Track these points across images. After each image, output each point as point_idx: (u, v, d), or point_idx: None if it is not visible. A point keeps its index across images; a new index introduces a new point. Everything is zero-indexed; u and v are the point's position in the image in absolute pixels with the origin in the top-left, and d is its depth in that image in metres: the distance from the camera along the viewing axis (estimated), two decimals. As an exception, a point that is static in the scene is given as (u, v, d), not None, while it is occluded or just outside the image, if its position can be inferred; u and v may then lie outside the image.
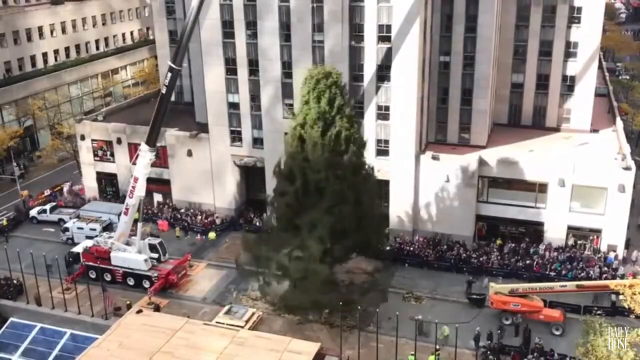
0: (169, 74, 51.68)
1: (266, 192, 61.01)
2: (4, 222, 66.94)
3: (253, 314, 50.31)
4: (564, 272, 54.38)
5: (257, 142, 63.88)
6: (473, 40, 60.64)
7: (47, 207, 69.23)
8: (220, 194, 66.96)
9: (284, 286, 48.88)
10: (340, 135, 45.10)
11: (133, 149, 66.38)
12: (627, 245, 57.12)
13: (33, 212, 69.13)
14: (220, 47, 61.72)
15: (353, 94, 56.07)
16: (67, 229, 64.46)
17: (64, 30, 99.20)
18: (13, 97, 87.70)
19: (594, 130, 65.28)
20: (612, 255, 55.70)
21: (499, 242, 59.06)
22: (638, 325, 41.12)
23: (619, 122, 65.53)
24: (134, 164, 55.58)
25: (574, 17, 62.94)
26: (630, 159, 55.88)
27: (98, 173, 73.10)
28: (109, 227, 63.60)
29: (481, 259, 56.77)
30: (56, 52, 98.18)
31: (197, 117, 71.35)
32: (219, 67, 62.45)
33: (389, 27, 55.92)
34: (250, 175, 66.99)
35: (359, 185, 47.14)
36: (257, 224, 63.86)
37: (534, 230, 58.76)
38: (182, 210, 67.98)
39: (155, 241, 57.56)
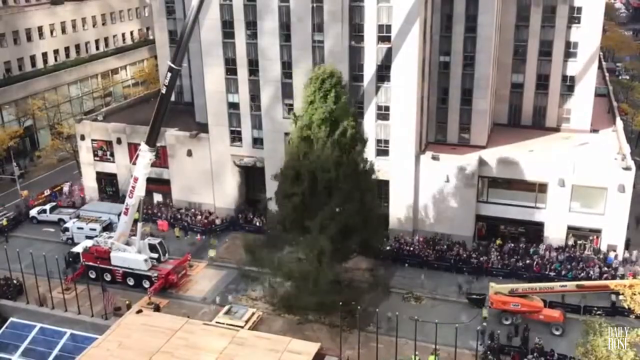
0: (169, 74, 51.68)
1: (266, 192, 61.04)
2: (4, 222, 66.90)
3: (253, 314, 50.32)
4: (563, 272, 54.39)
5: (257, 142, 63.89)
6: (473, 40, 60.63)
7: (47, 207, 69.24)
8: (220, 194, 66.96)
9: (287, 287, 48.89)
10: (346, 133, 45.27)
11: (133, 149, 66.37)
12: (627, 245, 57.11)
13: (33, 212, 69.13)
14: (220, 47, 61.72)
15: (353, 94, 56.05)
16: (67, 229, 64.47)
17: (63, 30, 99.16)
18: (13, 97, 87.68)
19: (594, 131, 65.27)
20: (612, 255, 55.68)
21: (498, 242, 59.06)
22: (638, 325, 41.17)
23: (619, 122, 65.53)
24: (134, 164, 55.58)
25: (574, 17, 62.92)
26: (630, 159, 55.88)
27: (98, 173, 73.11)
28: (109, 227, 63.60)
29: (481, 259, 56.76)
30: (56, 52, 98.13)
31: (197, 117, 71.35)
32: (219, 67, 62.45)
33: (389, 27, 55.92)
34: (250, 175, 66.99)
35: (362, 184, 47.39)
36: (257, 224, 63.87)
37: (534, 230, 58.74)
38: (182, 210, 67.97)
39: (155, 241, 57.55)
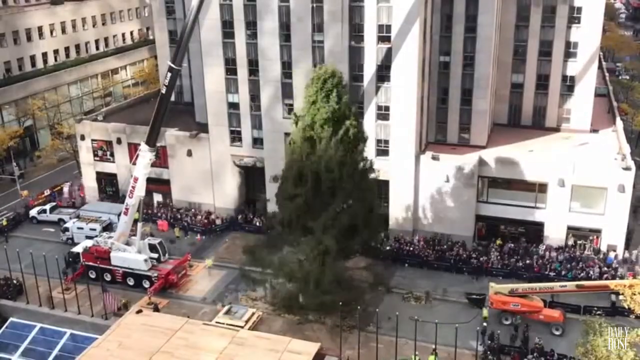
0: (169, 74, 51.68)
1: (266, 192, 61.04)
2: (4, 222, 66.89)
3: (253, 314, 50.32)
4: (563, 272, 54.40)
5: (257, 142, 63.89)
6: (473, 40, 60.64)
7: (47, 207, 69.25)
8: (220, 194, 66.97)
9: (288, 288, 48.92)
10: (349, 132, 45.39)
11: (133, 149, 66.38)
12: (628, 245, 57.10)
13: (33, 212, 69.14)
14: (220, 47, 61.73)
15: (353, 94, 56.03)
16: (67, 229, 64.48)
17: (63, 30, 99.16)
18: (13, 97, 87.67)
19: (594, 131, 65.28)
20: (612, 255, 55.69)
21: (498, 242, 59.07)
22: (638, 325, 41.16)
23: (619, 122, 65.54)
24: (134, 164, 55.58)
25: (574, 17, 62.93)
26: (630, 159, 55.89)
27: (98, 173, 73.12)
28: (108, 227, 63.60)
29: (481, 259, 56.77)
30: (56, 52, 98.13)
31: (197, 117, 71.36)
32: (219, 67, 62.45)
33: (388, 27, 55.92)
34: (250, 175, 66.99)
35: (363, 183, 47.55)
36: (257, 224, 63.89)
37: (534, 230, 58.75)
38: (182, 210, 67.98)
39: (155, 241, 57.55)
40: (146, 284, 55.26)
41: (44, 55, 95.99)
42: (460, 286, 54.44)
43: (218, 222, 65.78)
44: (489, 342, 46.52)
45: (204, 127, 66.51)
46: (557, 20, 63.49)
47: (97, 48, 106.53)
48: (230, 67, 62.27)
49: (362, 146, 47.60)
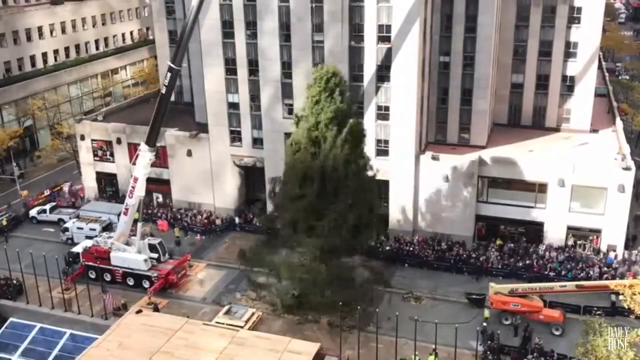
0: (169, 74, 51.65)
1: (266, 192, 60.92)
2: (4, 222, 66.87)
3: (253, 314, 50.30)
4: (563, 272, 54.39)
5: (257, 142, 63.89)
6: (473, 41, 60.63)
7: (47, 207, 69.22)
8: (220, 194, 66.96)
9: (290, 289, 48.96)
10: (352, 130, 45.63)
11: (133, 149, 66.38)
12: (627, 245, 57.10)
13: (33, 212, 69.11)
14: (220, 47, 61.72)
15: (353, 94, 56.02)
16: (66, 229, 64.45)
17: (63, 30, 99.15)
18: (13, 97, 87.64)
19: (594, 131, 65.28)
20: (612, 255, 55.68)
21: (498, 242, 59.06)
22: (638, 326, 41.16)
23: (619, 122, 65.54)
24: (134, 164, 55.55)
25: (574, 17, 62.93)
26: (630, 159, 55.89)
27: (98, 173, 73.12)
28: (108, 227, 63.57)
29: (481, 259, 56.76)
30: (56, 52, 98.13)
31: (197, 117, 71.36)
32: (219, 67, 62.45)
33: (388, 27, 55.92)
34: (250, 175, 66.99)
35: (365, 183, 47.89)
36: (257, 224, 63.83)
37: (534, 230, 58.75)
38: (182, 211, 67.97)
39: (155, 241, 57.53)
40: (146, 284, 55.22)
41: (44, 55, 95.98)
42: (460, 286, 54.44)
43: (218, 222, 65.73)
44: (489, 342, 46.48)
45: (204, 127, 66.50)
46: (557, 20, 63.49)
47: (97, 48, 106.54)
48: (230, 67, 62.27)
49: (364, 144, 47.88)
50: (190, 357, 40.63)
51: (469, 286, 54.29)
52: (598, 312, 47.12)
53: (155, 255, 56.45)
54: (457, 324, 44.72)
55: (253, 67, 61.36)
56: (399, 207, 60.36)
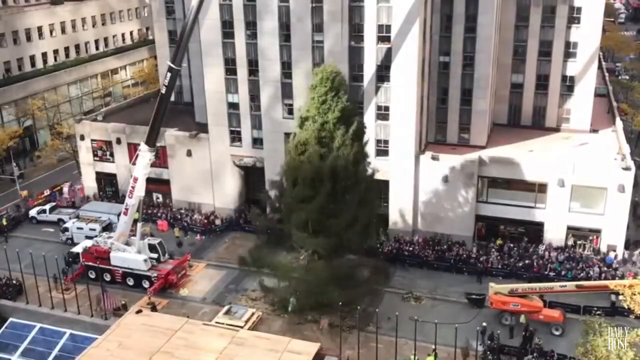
0: (169, 74, 51.63)
1: (267, 194, 60.92)
2: (4, 222, 66.85)
3: (252, 314, 50.29)
4: (563, 272, 54.39)
5: (257, 142, 63.88)
6: (473, 41, 60.62)
7: (47, 207, 69.20)
8: (220, 194, 66.94)
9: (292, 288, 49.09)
10: (359, 130, 46.10)
11: (132, 149, 66.36)
12: (627, 245, 57.10)
13: (32, 212, 69.10)
14: (219, 47, 61.71)
15: (353, 94, 56.02)
16: (66, 229, 64.43)
17: (63, 30, 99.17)
18: (12, 97, 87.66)
19: (594, 131, 65.28)
20: (612, 255, 55.68)
21: (498, 242, 59.06)
22: (638, 326, 41.21)
23: (619, 122, 65.53)
24: (134, 164, 55.53)
25: (574, 17, 62.92)
26: (630, 159, 55.89)
27: (97, 173, 73.11)
28: (108, 227, 63.56)
29: (481, 259, 56.76)
30: (55, 52, 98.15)
31: (197, 117, 71.34)
32: (219, 67, 62.43)
33: (388, 27, 55.91)
34: (250, 175, 66.99)
35: (370, 181, 48.63)
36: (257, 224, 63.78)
37: (534, 230, 58.74)
38: (182, 211, 67.95)
39: (155, 241, 57.52)
40: (146, 284, 55.21)
41: (44, 55, 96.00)
42: (460, 286, 54.43)
43: (218, 222, 65.72)
44: (489, 342, 46.47)
45: (203, 127, 66.48)
46: (557, 21, 63.49)
47: (97, 48, 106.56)
48: (230, 67, 62.25)
49: (366, 143, 48.25)
50: (190, 357, 40.65)
51: (469, 286, 54.27)
52: (598, 312, 47.10)
53: (155, 255, 56.42)
54: (457, 324, 44.73)
55: (253, 67, 61.34)
56: (398, 207, 60.35)
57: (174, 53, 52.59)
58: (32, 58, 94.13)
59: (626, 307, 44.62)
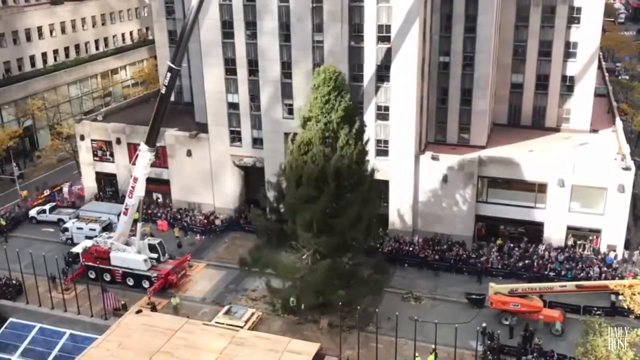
0: (169, 74, 51.63)
1: (266, 192, 60.91)
2: (3, 222, 66.84)
3: (252, 314, 50.28)
4: (563, 272, 54.39)
5: (257, 142, 63.88)
6: (472, 41, 60.62)
7: (47, 207, 69.19)
8: (220, 194, 66.94)
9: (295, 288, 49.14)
10: (361, 128, 46.42)
11: (132, 149, 66.36)
12: (627, 245, 57.10)
13: (32, 212, 69.09)
14: (219, 47, 61.71)
15: (353, 94, 55.94)
16: (66, 229, 64.42)
17: (63, 31, 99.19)
18: (12, 97, 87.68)
19: (594, 131, 65.28)
20: (611, 255, 55.68)
21: (498, 242, 59.06)
22: (637, 326, 41.21)
23: (619, 122, 65.53)
24: (134, 164, 55.54)
25: (574, 17, 62.93)
26: (630, 159, 55.89)
27: (97, 173, 73.10)
28: (108, 227, 63.56)
29: (481, 259, 56.76)
30: (55, 52, 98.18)
31: (197, 117, 71.33)
32: (219, 67, 62.43)
33: (388, 27, 55.92)
34: (250, 175, 66.98)
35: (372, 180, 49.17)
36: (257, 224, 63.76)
37: (534, 230, 58.73)
38: (182, 210, 67.95)
39: (155, 241, 57.52)
40: (146, 284, 55.20)
41: (44, 55, 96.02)
42: (460, 286, 54.44)
43: (217, 222, 65.71)
44: (489, 342, 46.47)
45: (203, 127, 66.48)
46: (557, 21, 63.50)
47: (97, 48, 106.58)
48: (230, 67, 62.25)
49: (367, 141, 48.42)
50: (190, 357, 40.64)
51: (469, 286, 54.28)
52: (598, 312, 47.12)
53: (154, 256, 56.42)
54: (457, 324, 44.74)
55: (253, 67, 61.35)
56: (398, 207, 60.35)
57: (174, 53, 52.58)
58: (32, 58, 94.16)
59: (626, 307, 44.64)
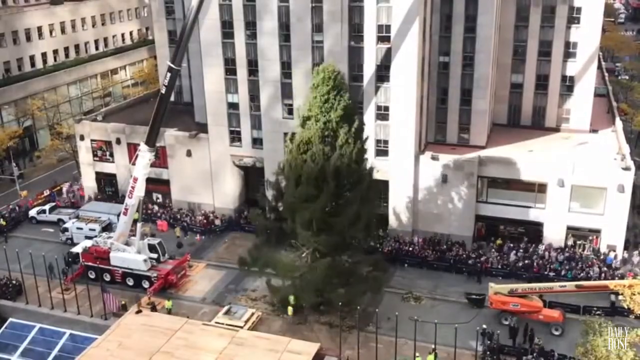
0: (168, 74, 51.62)
1: (266, 192, 60.94)
2: (2, 222, 66.83)
3: (252, 314, 50.25)
4: (563, 272, 54.39)
5: (257, 142, 63.88)
6: (472, 41, 60.63)
7: (47, 207, 69.18)
8: (220, 194, 66.94)
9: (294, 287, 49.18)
10: (361, 127, 46.56)
11: (132, 149, 66.36)
12: (627, 245, 57.10)
13: (32, 212, 69.06)
14: (219, 47, 61.70)
15: (353, 94, 55.95)
16: (66, 229, 64.41)
17: (63, 31, 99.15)
18: (12, 97, 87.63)
19: (594, 131, 65.30)
20: (611, 255, 55.68)
21: (498, 242, 59.06)
22: (637, 325, 41.21)
23: (618, 122, 65.55)
24: (134, 164, 55.53)
25: (574, 17, 62.95)
26: (630, 159, 55.89)
27: (97, 173, 73.09)
28: (108, 228, 63.55)
29: (481, 259, 56.76)
30: (55, 52, 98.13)
31: (197, 117, 71.32)
32: (219, 67, 62.43)
33: (388, 27, 55.91)
34: (250, 175, 66.98)
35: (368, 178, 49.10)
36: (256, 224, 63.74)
37: (534, 230, 58.74)
38: (182, 210, 67.95)
39: (155, 241, 57.51)
40: (145, 284, 55.19)
41: (44, 55, 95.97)
42: (460, 286, 54.45)
43: (217, 222, 65.72)
44: (489, 342, 46.47)
45: (203, 127, 66.47)
46: (557, 21, 63.51)
47: (97, 48, 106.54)
48: (230, 67, 62.24)
49: (366, 140, 48.48)
50: (190, 357, 40.69)
51: (469, 286, 54.28)
52: (598, 312, 47.14)
53: (154, 256, 56.40)
54: (456, 324, 44.73)
55: (253, 67, 61.34)
56: (398, 207, 60.35)
57: (173, 53, 52.57)
58: (32, 58, 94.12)
59: (626, 307, 44.59)
